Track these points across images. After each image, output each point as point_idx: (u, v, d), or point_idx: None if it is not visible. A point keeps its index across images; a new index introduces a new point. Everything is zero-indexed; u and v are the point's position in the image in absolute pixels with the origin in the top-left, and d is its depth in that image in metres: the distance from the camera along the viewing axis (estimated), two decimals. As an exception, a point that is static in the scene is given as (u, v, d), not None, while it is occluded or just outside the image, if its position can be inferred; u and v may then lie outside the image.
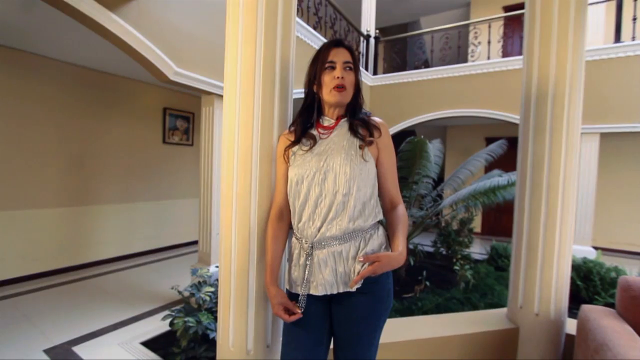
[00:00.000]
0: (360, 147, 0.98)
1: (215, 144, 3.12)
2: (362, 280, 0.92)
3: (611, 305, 3.59)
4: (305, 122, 1.07)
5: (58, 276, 3.69)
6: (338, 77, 0.97)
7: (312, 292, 0.96)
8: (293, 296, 1.01)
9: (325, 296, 0.97)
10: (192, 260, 4.28)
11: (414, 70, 5.53)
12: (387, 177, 1.03)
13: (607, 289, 3.65)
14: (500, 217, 6.86)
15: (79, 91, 3.90)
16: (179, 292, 2.27)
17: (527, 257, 1.64)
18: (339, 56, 0.99)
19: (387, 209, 1.03)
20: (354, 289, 0.92)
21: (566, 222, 1.56)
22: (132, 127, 4.49)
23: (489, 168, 5.04)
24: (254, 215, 1.13)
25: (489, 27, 5.13)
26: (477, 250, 5.56)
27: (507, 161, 4.37)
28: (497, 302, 3.08)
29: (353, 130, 1.01)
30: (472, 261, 4.27)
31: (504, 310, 1.86)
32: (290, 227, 1.09)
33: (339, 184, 0.94)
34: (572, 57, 1.52)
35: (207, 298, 2.14)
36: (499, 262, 4.27)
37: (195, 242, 5.26)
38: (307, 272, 0.96)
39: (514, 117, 4.74)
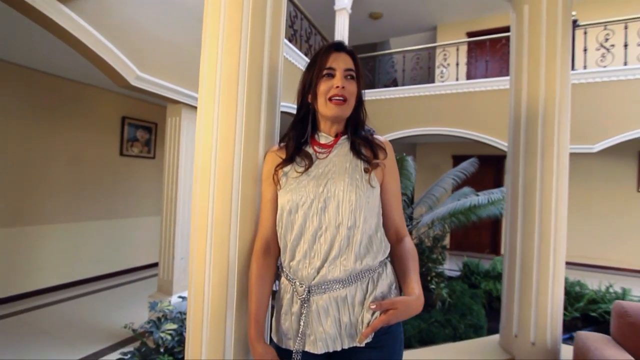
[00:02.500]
0: (366, 171, 0.83)
1: (182, 157, 2.84)
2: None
3: (577, 319, 3.70)
4: (298, 137, 0.90)
5: (-18, 310, 3.11)
6: (337, 87, 0.82)
7: (309, 348, 0.77)
8: (282, 352, 0.82)
9: (325, 353, 0.78)
10: (150, 287, 3.84)
11: (385, 88, 5.63)
12: (393, 205, 0.88)
13: (572, 304, 3.78)
14: (467, 233, 7.03)
15: (19, 94, 3.43)
16: (134, 332, 1.93)
17: (521, 282, 1.57)
18: (339, 62, 0.84)
19: (393, 241, 0.88)
20: (363, 344, 0.75)
21: (559, 244, 1.52)
22: (84, 137, 4.03)
23: (457, 186, 5.17)
24: (233, 247, 0.93)
25: (457, 50, 5.37)
26: (448, 266, 5.60)
27: (474, 179, 4.47)
28: (477, 322, 3.04)
29: (355, 151, 0.86)
30: (445, 278, 4.26)
31: (496, 337, 1.77)
32: (278, 263, 0.90)
33: (343, 215, 0.78)
34: (560, 79, 1.52)
35: (169, 337, 1.84)
36: (472, 279, 4.30)
37: (154, 265, 4.78)
38: (302, 324, 0.78)
39: (480, 135, 4.93)
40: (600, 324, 3.60)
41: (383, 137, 0.92)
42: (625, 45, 4.30)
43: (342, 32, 6.09)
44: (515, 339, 1.58)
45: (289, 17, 4.23)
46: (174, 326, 1.91)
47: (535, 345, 1.52)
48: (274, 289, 0.90)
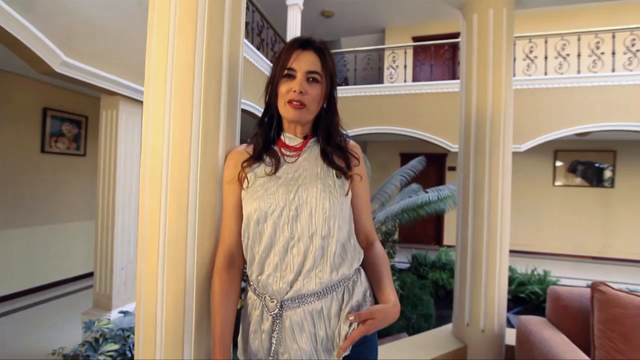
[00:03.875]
0: (338, 176, 0.79)
1: (120, 155, 2.54)
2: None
3: (508, 300, 4.12)
4: (266, 134, 0.83)
5: None
6: (294, 91, 0.75)
7: (283, 367, 0.72)
8: (251, 372, 0.75)
9: (300, 370, 0.73)
10: (83, 302, 3.40)
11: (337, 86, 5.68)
12: (363, 209, 0.86)
13: (505, 287, 4.21)
14: (414, 226, 7.42)
15: None
16: (65, 357, 1.68)
17: (473, 274, 1.67)
18: (302, 63, 0.76)
19: (363, 247, 0.86)
20: (340, 358, 0.71)
21: (505, 238, 1.65)
22: (-8, 131, 3.41)
23: (407, 182, 5.43)
24: (191, 262, 0.82)
25: (405, 53, 5.62)
26: (398, 259, 5.88)
27: (419, 175, 4.69)
28: (427, 311, 3.22)
29: (328, 160, 0.80)
30: (397, 271, 4.46)
31: (449, 327, 1.87)
32: (244, 276, 0.82)
33: (316, 224, 0.73)
34: (505, 85, 1.64)
35: (109, 360, 1.63)
36: (421, 270, 4.57)
37: (88, 275, 4.25)
38: (274, 342, 0.72)
39: (425, 134, 5.24)
40: (527, 303, 4.07)
41: (353, 141, 0.89)
42: (545, 57, 4.89)
43: (294, 28, 6.00)
44: (467, 327, 1.69)
45: (240, 8, 4.03)
46: (116, 347, 1.70)
47: (484, 332, 1.64)
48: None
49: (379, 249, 0.85)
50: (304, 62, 0.76)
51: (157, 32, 0.86)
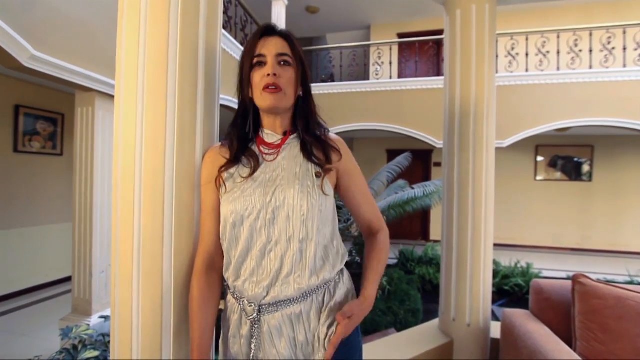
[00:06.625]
0: (318, 175, 0.75)
1: (98, 154, 2.45)
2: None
3: (493, 293, 4.21)
4: (242, 134, 0.79)
5: None
6: (268, 75, 0.72)
7: (262, 373, 0.69)
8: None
9: (281, 376, 0.71)
10: (61, 307, 3.27)
11: (323, 83, 5.66)
12: (359, 202, 0.83)
13: (490, 280, 4.30)
14: (401, 222, 7.50)
15: None
16: (40, 367, 1.60)
17: (458, 270, 1.68)
18: (270, 47, 0.74)
19: (366, 235, 0.86)
20: (321, 362, 0.69)
21: (489, 233, 1.66)
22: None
23: (393, 179, 5.47)
24: (168, 266, 0.78)
25: (390, 49, 5.63)
26: (386, 254, 5.93)
27: (405, 171, 4.71)
28: (414, 306, 3.26)
29: (307, 152, 0.77)
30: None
31: (436, 322, 1.88)
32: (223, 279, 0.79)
33: (294, 227, 0.70)
34: (487, 81, 1.64)
35: (88, 368, 1.56)
36: (408, 265, 4.61)
37: (66, 279, 4.10)
38: (253, 347, 0.69)
39: (411, 131, 5.28)
40: (511, 295, 4.17)
41: (335, 135, 0.86)
42: (527, 54, 4.99)
43: (278, 24, 5.93)
44: (453, 322, 1.70)
45: (223, 2, 3.93)
46: (96, 353, 1.63)
47: (470, 327, 1.65)
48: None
49: (378, 239, 0.83)
50: (272, 46, 0.74)
51: (127, 21, 0.81)
